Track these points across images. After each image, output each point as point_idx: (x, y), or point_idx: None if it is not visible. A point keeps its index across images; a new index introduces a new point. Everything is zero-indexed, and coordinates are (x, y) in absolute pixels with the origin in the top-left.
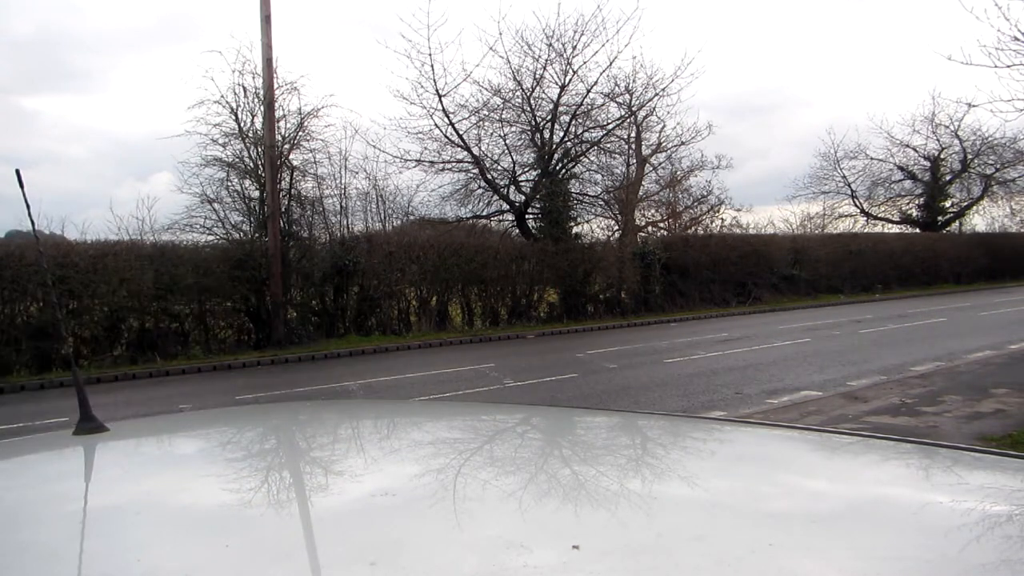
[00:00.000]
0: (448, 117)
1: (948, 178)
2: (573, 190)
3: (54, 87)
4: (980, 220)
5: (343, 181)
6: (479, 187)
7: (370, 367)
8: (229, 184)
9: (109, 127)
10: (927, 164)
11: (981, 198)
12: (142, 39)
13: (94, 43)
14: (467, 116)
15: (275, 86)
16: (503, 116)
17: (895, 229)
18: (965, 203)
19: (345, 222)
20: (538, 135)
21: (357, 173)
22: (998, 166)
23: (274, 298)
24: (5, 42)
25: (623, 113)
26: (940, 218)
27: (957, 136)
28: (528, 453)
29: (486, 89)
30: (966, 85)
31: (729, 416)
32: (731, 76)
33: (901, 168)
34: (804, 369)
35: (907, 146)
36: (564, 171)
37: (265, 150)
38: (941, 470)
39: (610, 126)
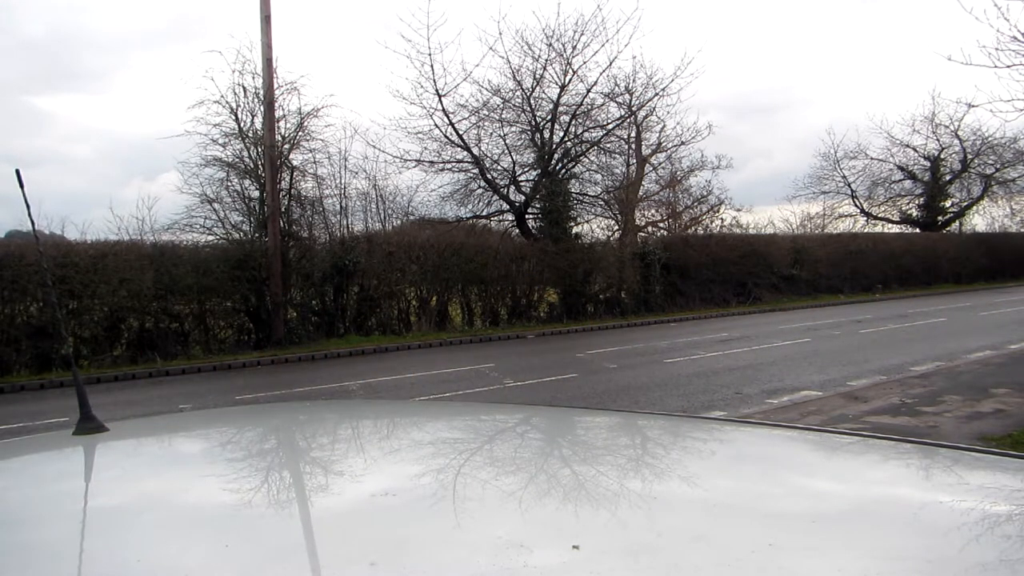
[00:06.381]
0: (448, 117)
1: (948, 178)
2: (573, 190)
3: (67, 87)
4: (980, 220)
5: (343, 181)
6: (479, 187)
7: (370, 367)
8: (229, 184)
9: (117, 127)
10: (927, 164)
11: (981, 198)
12: (154, 39)
13: (106, 43)
14: (467, 116)
15: (275, 86)
16: (503, 116)
17: (895, 229)
18: (965, 203)
19: (345, 222)
20: (538, 135)
21: (357, 173)
22: (998, 166)
23: (274, 298)
24: (23, 43)
25: (623, 113)
26: (940, 218)
27: (957, 136)
28: (528, 453)
29: (486, 89)
30: (966, 85)
31: (729, 416)
32: (732, 76)
33: (901, 168)
34: (804, 369)
35: (907, 146)
36: (564, 171)
37: (265, 150)
38: (941, 470)
39: (610, 126)
